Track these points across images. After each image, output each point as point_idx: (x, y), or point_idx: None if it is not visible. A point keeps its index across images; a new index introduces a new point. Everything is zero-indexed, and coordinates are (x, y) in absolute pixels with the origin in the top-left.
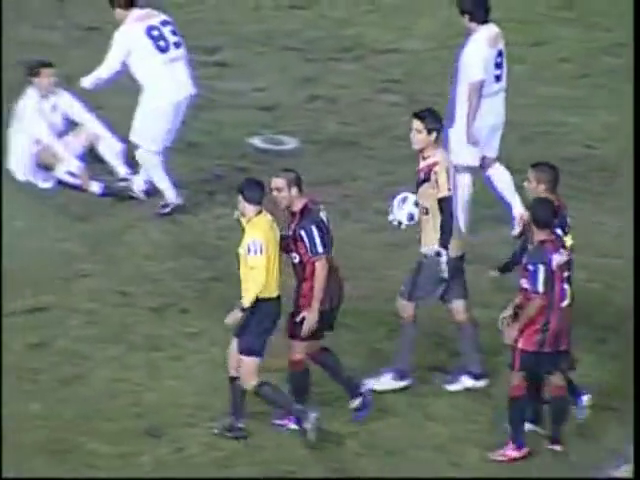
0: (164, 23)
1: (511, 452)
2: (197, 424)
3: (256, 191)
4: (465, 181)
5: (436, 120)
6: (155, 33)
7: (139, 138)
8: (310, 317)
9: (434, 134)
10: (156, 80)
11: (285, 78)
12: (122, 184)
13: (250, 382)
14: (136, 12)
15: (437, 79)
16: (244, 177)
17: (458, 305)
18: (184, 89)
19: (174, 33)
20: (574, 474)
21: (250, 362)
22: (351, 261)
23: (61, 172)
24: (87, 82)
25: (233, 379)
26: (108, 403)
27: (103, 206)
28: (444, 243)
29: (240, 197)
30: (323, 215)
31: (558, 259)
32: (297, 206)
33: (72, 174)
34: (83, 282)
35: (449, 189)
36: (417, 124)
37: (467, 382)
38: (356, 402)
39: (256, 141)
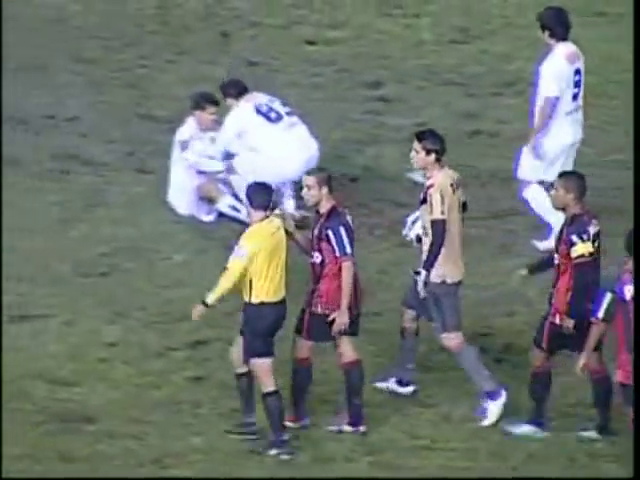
0: (271, 100)
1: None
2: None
3: (262, 196)
4: (536, 192)
5: (435, 142)
6: (264, 109)
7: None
8: (340, 318)
9: (433, 155)
10: (280, 145)
11: (446, 113)
12: None
13: (266, 385)
14: (246, 96)
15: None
16: (403, 212)
17: (409, 315)
18: (311, 147)
19: (284, 104)
20: None
21: (259, 363)
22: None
23: (223, 205)
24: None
25: (239, 375)
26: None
27: None
28: (427, 265)
29: (247, 202)
30: (349, 218)
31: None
32: (325, 207)
33: (235, 208)
34: None
35: (442, 212)
36: (416, 144)
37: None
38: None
39: (416, 176)
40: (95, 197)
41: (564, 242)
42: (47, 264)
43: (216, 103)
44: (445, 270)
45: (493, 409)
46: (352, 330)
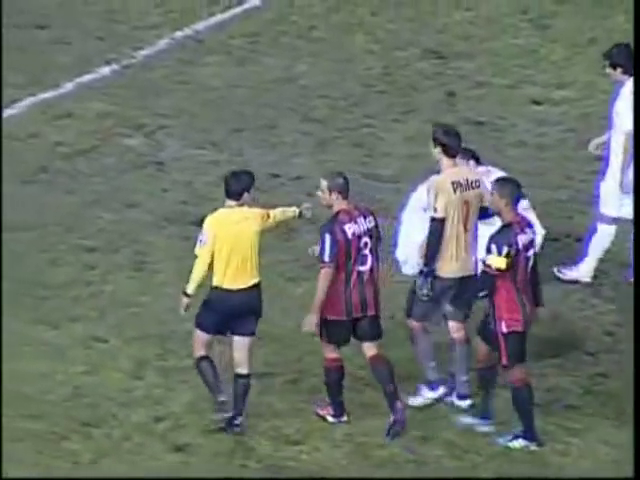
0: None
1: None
2: None
3: (235, 185)
4: (608, 231)
5: (445, 136)
6: None
7: None
8: (306, 320)
9: (438, 148)
10: None
11: None
12: None
13: (196, 351)
14: (479, 169)
15: None
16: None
17: (452, 325)
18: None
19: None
20: None
21: (196, 333)
22: None
23: None
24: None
25: (237, 376)
26: None
27: None
28: (426, 261)
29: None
30: (352, 226)
31: (524, 239)
32: (333, 210)
33: None
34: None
35: (435, 209)
36: (432, 139)
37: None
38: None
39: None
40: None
41: (485, 247)
42: (270, 321)
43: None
44: (437, 265)
45: (426, 394)
46: (368, 334)
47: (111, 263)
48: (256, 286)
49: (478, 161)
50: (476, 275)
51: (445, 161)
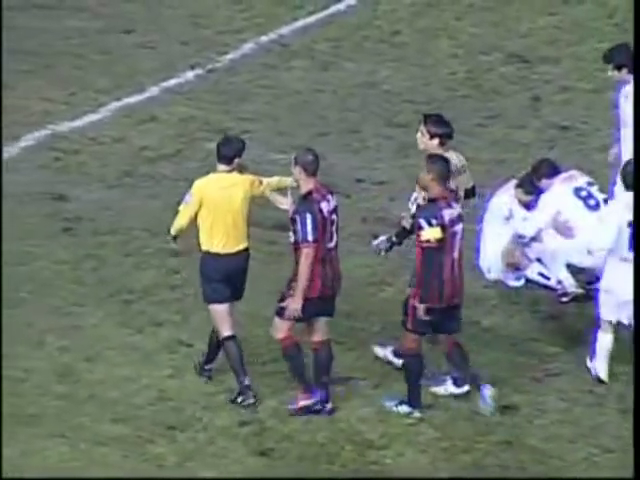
0: (590, 184)
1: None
2: None
3: (225, 150)
4: None
5: (439, 126)
6: (583, 194)
7: None
8: (292, 305)
9: (436, 139)
10: (590, 234)
11: None
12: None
13: (222, 330)
14: (562, 175)
15: None
16: None
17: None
18: None
19: (601, 191)
20: None
21: (213, 310)
22: None
23: (532, 272)
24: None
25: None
26: None
27: (570, 305)
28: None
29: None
30: (326, 205)
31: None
32: (302, 189)
33: (544, 275)
34: (553, 381)
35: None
36: (421, 126)
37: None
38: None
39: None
40: (401, 260)
41: (416, 226)
42: (353, 326)
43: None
44: None
45: (449, 388)
46: (327, 311)
47: (195, 267)
48: (245, 250)
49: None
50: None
51: (437, 149)
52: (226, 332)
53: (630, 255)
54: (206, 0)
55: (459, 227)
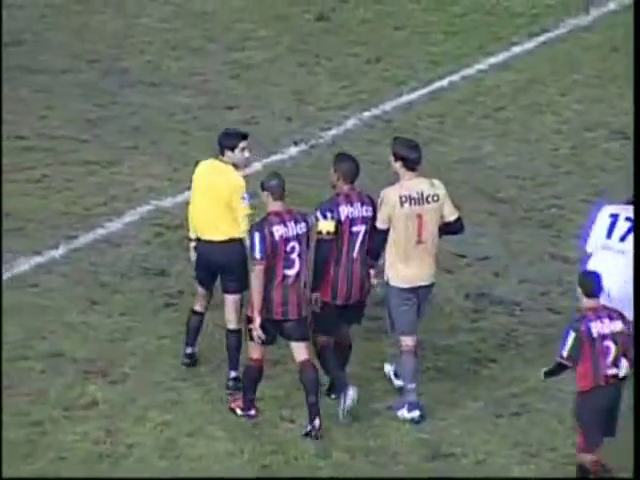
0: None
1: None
2: None
3: (223, 141)
4: None
5: (403, 148)
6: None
7: None
8: (254, 326)
9: (399, 162)
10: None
11: None
12: None
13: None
14: None
15: None
16: None
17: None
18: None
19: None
20: None
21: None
22: None
23: None
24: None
25: (226, 331)
26: None
27: None
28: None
29: None
30: (282, 229)
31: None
32: (267, 210)
33: None
34: None
35: (382, 221)
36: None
37: None
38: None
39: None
40: (507, 336)
41: (315, 217)
42: (459, 402)
43: None
44: (390, 273)
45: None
46: (294, 335)
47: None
48: (224, 242)
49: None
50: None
51: (403, 171)
52: (194, 306)
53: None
54: (309, 76)
55: (361, 228)
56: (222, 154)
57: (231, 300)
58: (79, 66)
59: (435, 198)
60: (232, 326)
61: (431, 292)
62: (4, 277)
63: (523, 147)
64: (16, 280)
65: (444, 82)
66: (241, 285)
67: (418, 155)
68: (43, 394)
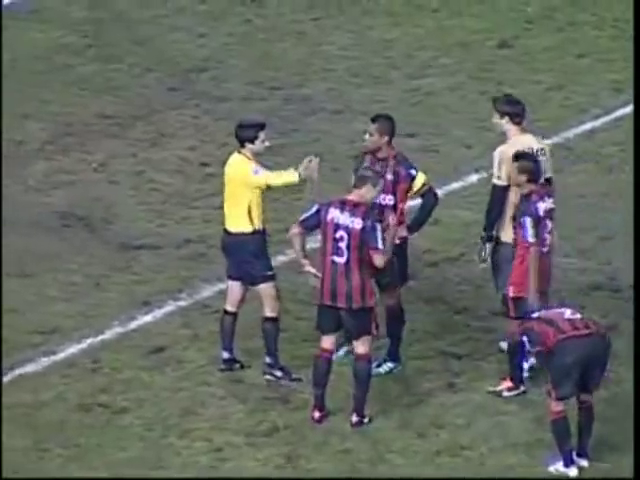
0: None
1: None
2: None
3: (240, 131)
4: None
5: (506, 104)
6: None
7: None
8: None
9: (505, 118)
10: None
11: None
12: None
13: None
14: None
15: None
16: None
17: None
18: None
19: None
20: None
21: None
22: None
23: None
24: None
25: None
26: None
27: None
28: (484, 227)
29: None
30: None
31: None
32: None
33: None
34: None
35: (498, 177)
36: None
37: None
38: None
39: None
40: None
41: None
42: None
43: None
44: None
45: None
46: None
47: (478, 371)
48: (243, 235)
49: None
50: None
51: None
52: (225, 306)
53: None
54: (490, 104)
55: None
56: (242, 146)
57: (262, 289)
58: (261, 93)
59: (542, 152)
60: (267, 314)
61: None
62: (187, 303)
63: None
64: (198, 306)
65: (627, 109)
66: (265, 275)
67: (522, 107)
68: (224, 420)
